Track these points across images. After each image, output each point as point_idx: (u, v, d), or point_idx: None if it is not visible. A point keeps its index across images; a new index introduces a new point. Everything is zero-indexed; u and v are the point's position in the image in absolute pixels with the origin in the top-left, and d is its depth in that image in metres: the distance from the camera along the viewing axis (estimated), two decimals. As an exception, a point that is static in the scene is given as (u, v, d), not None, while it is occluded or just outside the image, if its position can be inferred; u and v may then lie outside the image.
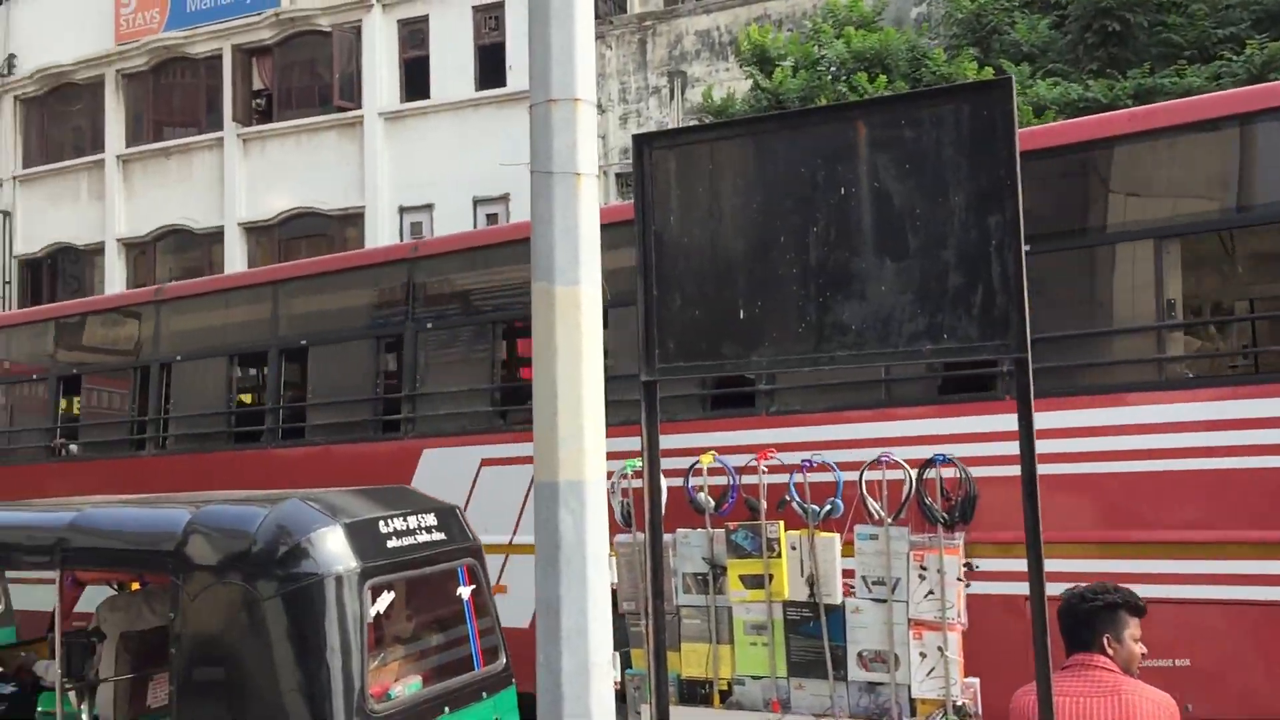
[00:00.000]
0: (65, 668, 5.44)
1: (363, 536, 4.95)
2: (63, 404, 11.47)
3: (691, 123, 16.99)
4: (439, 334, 8.88)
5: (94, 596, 6.36)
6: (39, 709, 6.25)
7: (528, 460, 8.22)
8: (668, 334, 4.00)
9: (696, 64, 18.51)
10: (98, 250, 22.39)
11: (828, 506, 5.46)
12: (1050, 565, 3.13)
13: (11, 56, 23.53)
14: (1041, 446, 3.27)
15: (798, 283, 3.76)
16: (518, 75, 18.60)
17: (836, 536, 5.42)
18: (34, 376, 11.87)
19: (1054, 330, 6.47)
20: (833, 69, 14.34)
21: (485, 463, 8.19)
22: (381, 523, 5.13)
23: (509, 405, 8.52)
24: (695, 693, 5.65)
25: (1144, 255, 6.51)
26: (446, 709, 5.12)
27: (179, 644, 4.81)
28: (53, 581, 5.47)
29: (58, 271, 23.24)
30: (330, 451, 9.17)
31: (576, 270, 3.33)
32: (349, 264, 10.37)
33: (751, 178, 3.88)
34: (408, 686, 5.08)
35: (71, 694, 5.57)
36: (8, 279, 23.13)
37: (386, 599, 5.00)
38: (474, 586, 5.58)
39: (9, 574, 7.65)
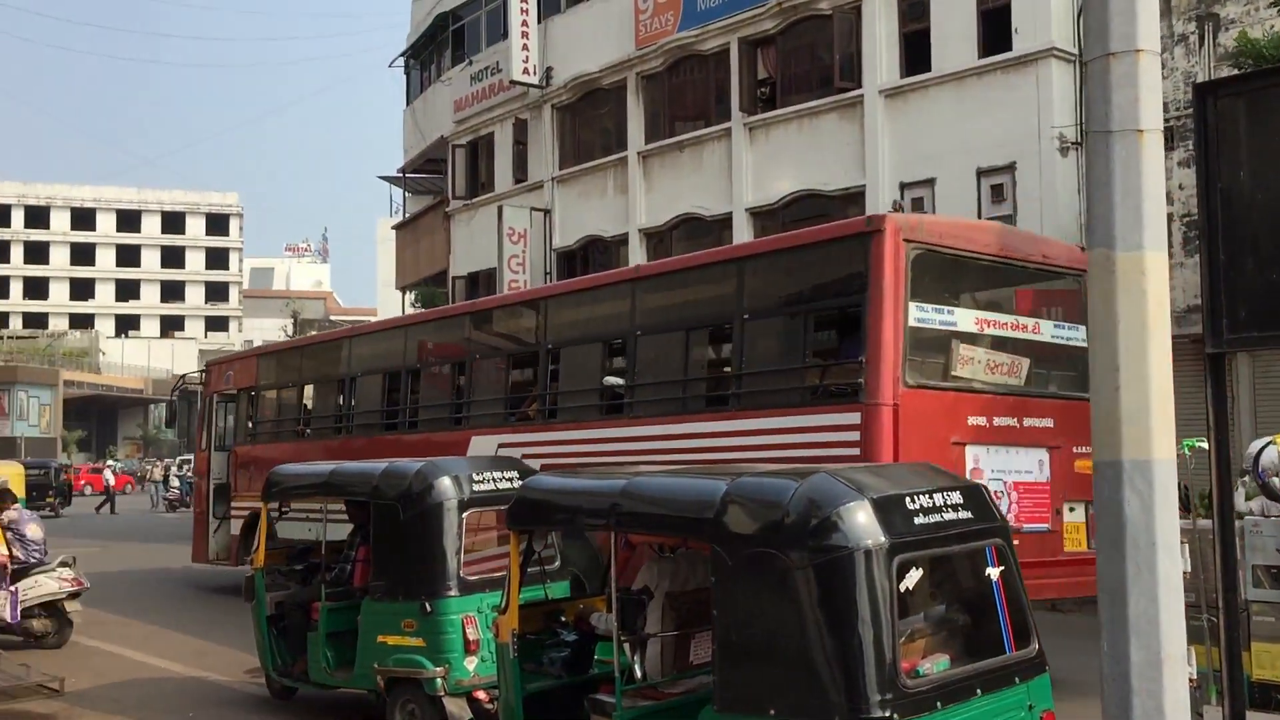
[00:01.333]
0: (620, 621, 5.95)
1: (890, 512, 4.92)
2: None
3: (1226, 72, 15.31)
4: (483, 363, 13.83)
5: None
6: (596, 657, 6.91)
7: (524, 444, 12.47)
8: (1238, 301, 3.62)
9: (1231, 4, 16.65)
10: (622, 240, 24.28)
11: None
12: None
13: (550, 69, 26.18)
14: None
15: None
16: (1024, 38, 17.74)
17: None
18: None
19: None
20: None
21: (501, 446, 12.20)
22: (908, 499, 5.06)
23: (512, 410, 13.07)
24: (1269, 698, 5.09)
25: None
26: (979, 690, 4.98)
27: (719, 606, 5.06)
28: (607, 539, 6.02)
29: (589, 261, 25.52)
30: (430, 438, 13.51)
31: (1140, 234, 3.04)
32: (468, 311, 15.46)
33: (1346, 120, 3.41)
34: (936, 664, 5.00)
35: (625, 646, 6.08)
36: (548, 269, 25.81)
37: (914, 575, 4.94)
38: (1003, 567, 5.37)
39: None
